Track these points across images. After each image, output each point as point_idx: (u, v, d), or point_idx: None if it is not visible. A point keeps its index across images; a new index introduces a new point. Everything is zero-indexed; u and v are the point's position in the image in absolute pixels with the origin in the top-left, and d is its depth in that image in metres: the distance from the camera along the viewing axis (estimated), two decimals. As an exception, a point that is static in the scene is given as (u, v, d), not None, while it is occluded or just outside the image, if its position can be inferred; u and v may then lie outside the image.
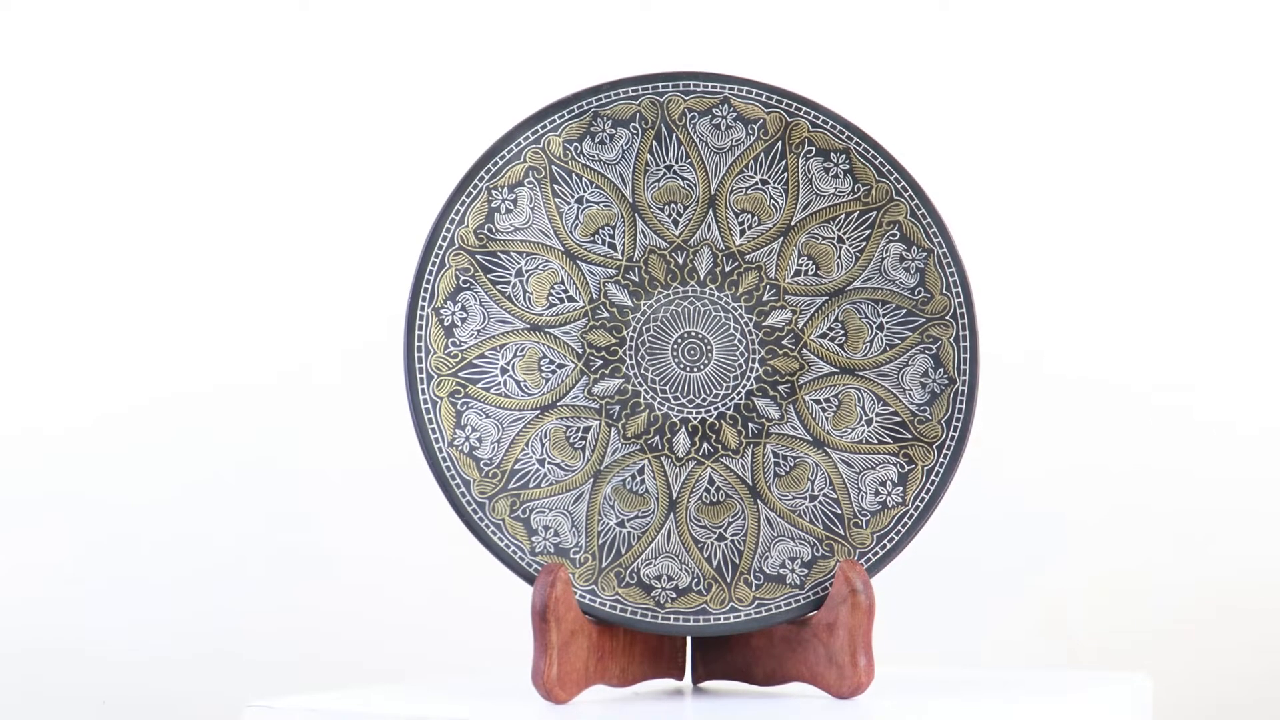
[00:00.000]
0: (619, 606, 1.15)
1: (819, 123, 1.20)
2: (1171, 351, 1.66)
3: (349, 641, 1.64)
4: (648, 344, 1.19)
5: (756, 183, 1.20)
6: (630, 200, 1.20)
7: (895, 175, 1.20)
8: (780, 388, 1.20)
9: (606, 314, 1.19)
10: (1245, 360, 1.66)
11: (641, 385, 1.19)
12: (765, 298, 1.20)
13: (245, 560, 1.65)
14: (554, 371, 1.18)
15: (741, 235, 1.20)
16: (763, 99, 1.20)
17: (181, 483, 1.65)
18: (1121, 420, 1.66)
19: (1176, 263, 1.67)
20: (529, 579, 1.15)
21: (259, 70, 1.69)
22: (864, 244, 1.20)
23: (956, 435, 1.18)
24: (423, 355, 1.15)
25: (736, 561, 1.17)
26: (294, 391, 1.67)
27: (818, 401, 1.20)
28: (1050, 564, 1.65)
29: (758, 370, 1.20)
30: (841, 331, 1.20)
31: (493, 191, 1.17)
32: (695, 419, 1.19)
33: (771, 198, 1.20)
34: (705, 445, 1.19)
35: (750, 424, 1.19)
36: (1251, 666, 1.62)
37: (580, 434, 1.18)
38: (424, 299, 1.16)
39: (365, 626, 1.64)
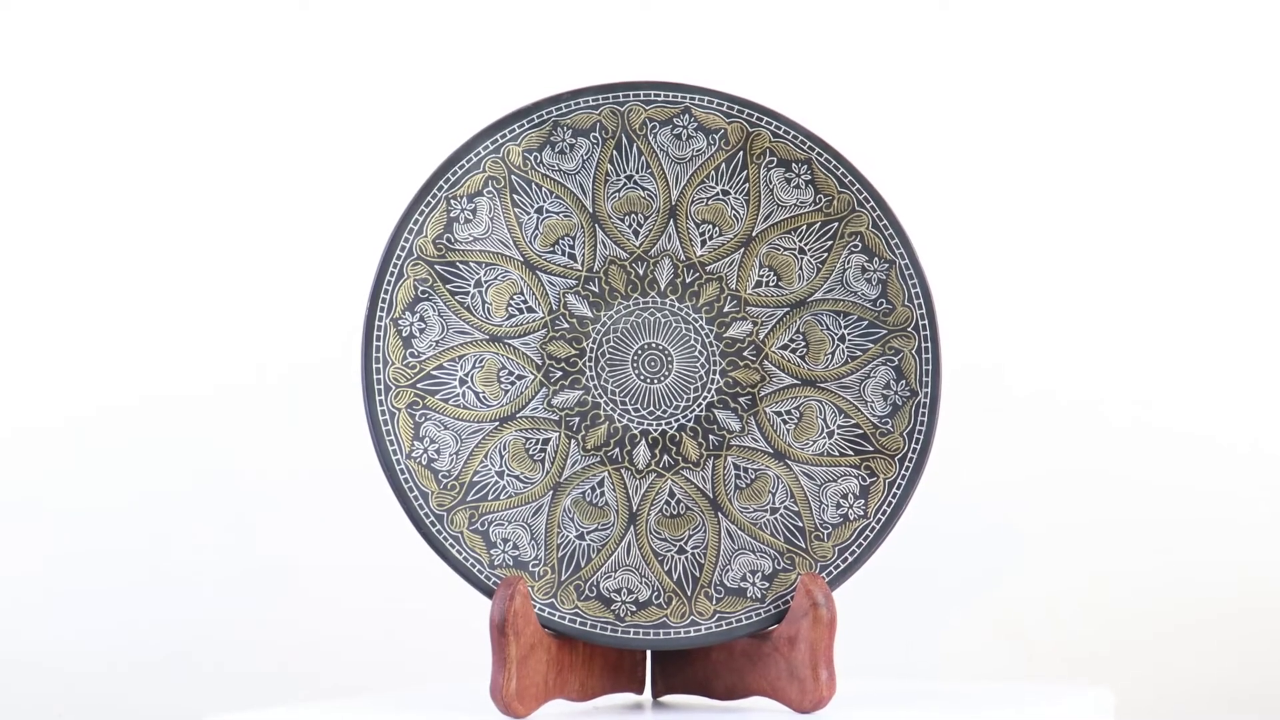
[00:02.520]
0: (578, 620, 1.14)
1: (780, 133, 1.19)
2: (1131, 363, 1.66)
3: (307, 653, 1.63)
4: (608, 355, 1.19)
5: (717, 193, 1.20)
6: (590, 210, 1.19)
7: (857, 186, 1.19)
8: (741, 400, 1.19)
9: (566, 325, 1.18)
10: (1203, 371, 1.66)
11: (601, 397, 1.18)
12: (726, 309, 1.19)
13: (202, 571, 1.64)
14: (513, 383, 1.18)
15: (702, 246, 1.20)
16: (724, 109, 1.19)
17: (139, 491, 1.64)
18: (1081, 432, 1.65)
19: (1136, 275, 1.67)
20: (488, 592, 1.14)
21: (213, 81, 1.68)
22: (826, 255, 1.20)
23: (918, 448, 1.18)
24: (381, 366, 1.14)
25: (697, 575, 1.17)
26: (253, 401, 1.66)
27: (779, 414, 1.19)
28: (1010, 575, 1.65)
29: (718, 382, 1.19)
30: (803, 343, 1.20)
31: (451, 201, 1.16)
32: (655, 431, 1.19)
33: (732, 208, 1.20)
34: (665, 457, 1.18)
35: (711, 436, 1.19)
36: (1215, 677, 1.61)
37: (539, 446, 1.17)
38: (382, 309, 1.15)
39: (324, 639, 1.64)
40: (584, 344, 1.18)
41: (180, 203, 1.67)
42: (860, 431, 1.18)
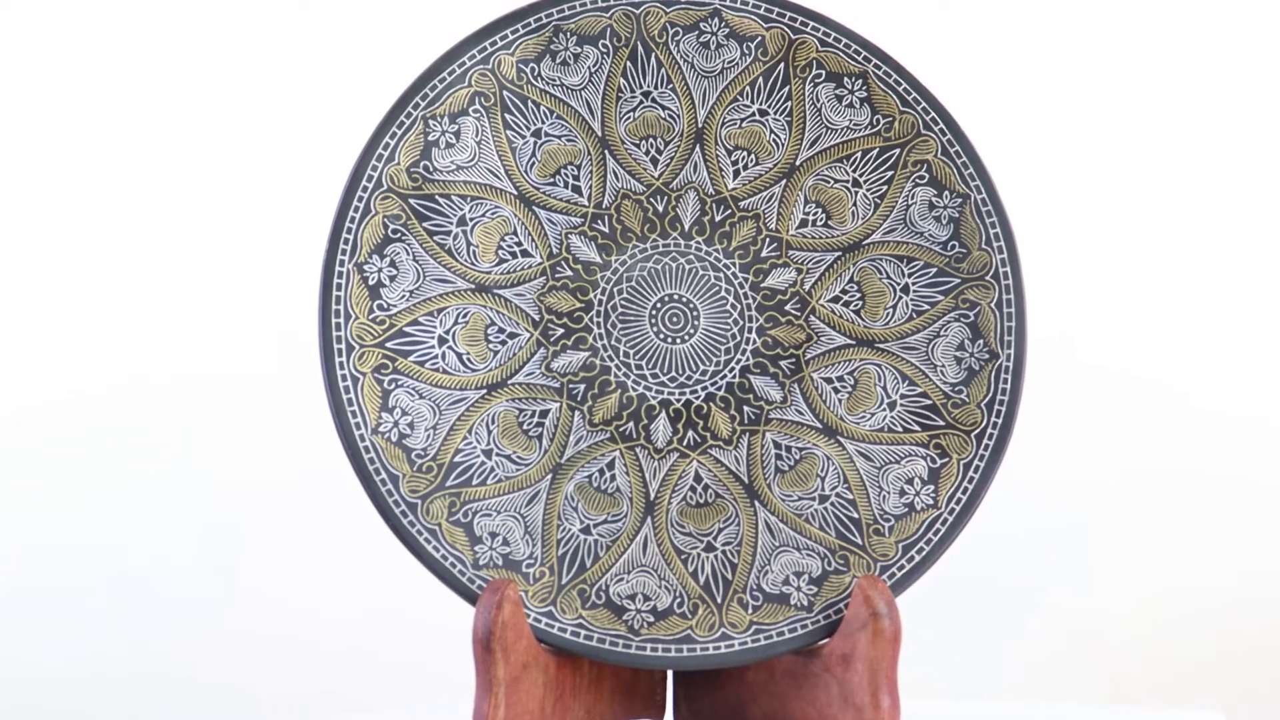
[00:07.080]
0: (583, 633, 1.07)
1: (830, 41, 1.13)
2: (1241, 344, 1.62)
3: (276, 665, 1.59)
4: (619, 309, 1.12)
5: (754, 113, 1.14)
6: (599, 134, 1.13)
7: (923, 105, 1.13)
8: (783, 363, 1.12)
9: (569, 272, 1.12)
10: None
11: (612, 360, 1.12)
12: (764, 253, 1.13)
13: (161, 574, 1.61)
14: (504, 342, 1.11)
15: (735, 177, 1.13)
16: (761, 11, 1.14)
17: (92, 488, 1.61)
18: (1177, 419, 1.61)
19: (1258, 238, 1.62)
20: (471, 598, 1.07)
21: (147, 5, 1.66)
22: (885, 188, 1.13)
23: (1000, 422, 1.10)
24: (341, 321, 1.08)
25: (729, 577, 1.09)
26: (210, 382, 1.63)
27: (829, 380, 1.12)
28: (1088, 582, 1.60)
29: (755, 342, 1.12)
30: (858, 295, 1.13)
31: (430, 122, 1.10)
32: (678, 401, 1.12)
33: (772, 132, 1.14)
34: (690, 434, 1.11)
35: (746, 408, 1.12)
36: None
37: (536, 419, 1.11)
38: (344, 252, 1.08)
39: (294, 648, 1.60)
40: (591, 295, 1.12)
41: (123, 162, 1.63)
42: (929, 402, 1.12)
